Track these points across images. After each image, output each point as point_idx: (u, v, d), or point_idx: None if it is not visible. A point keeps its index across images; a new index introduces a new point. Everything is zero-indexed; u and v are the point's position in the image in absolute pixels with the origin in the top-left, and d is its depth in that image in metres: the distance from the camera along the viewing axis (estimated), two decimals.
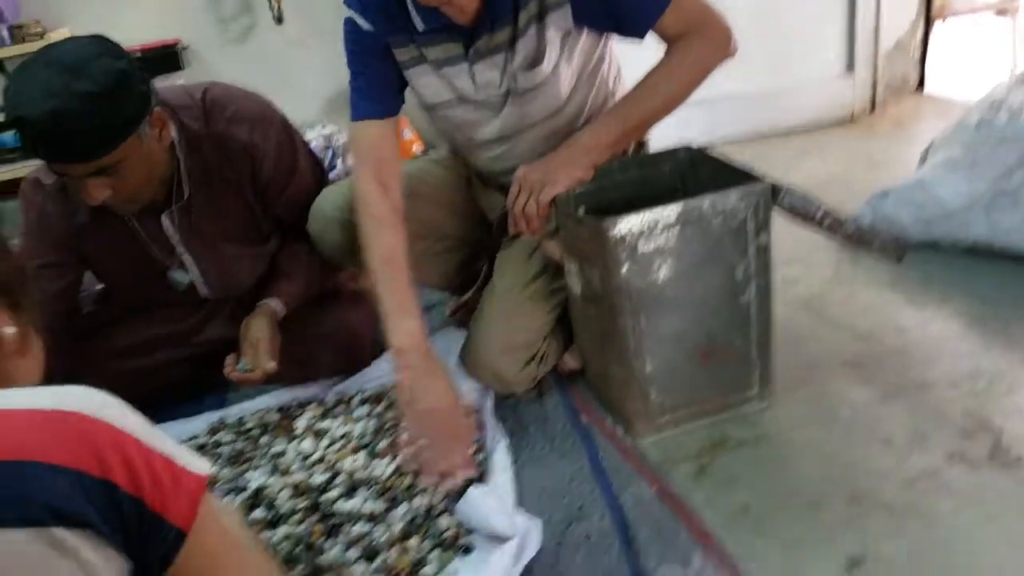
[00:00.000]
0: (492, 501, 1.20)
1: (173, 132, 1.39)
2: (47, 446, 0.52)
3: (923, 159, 2.05)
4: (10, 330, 0.68)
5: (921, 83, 3.05)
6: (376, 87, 1.38)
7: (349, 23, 1.36)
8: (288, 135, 1.54)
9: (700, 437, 1.35)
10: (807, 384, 1.44)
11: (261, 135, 1.47)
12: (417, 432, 1.28)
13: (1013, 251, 1.72)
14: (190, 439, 1.53)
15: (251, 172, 1.49)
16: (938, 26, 3.04)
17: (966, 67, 3.31)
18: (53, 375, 0.73)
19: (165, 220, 1.47)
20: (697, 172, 1.44)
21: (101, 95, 1.20)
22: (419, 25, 1.30)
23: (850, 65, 2.84)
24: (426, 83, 1.39)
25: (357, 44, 1.37)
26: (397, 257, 1.35)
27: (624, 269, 1.22)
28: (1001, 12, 3.77)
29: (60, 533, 0.50)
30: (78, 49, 1.24)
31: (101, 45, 1.26)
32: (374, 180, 1.37)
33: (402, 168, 1.44)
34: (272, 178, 1.51)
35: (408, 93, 1.44)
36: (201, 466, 0.62)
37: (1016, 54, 3.27)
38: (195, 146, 1.43)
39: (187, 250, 1.52)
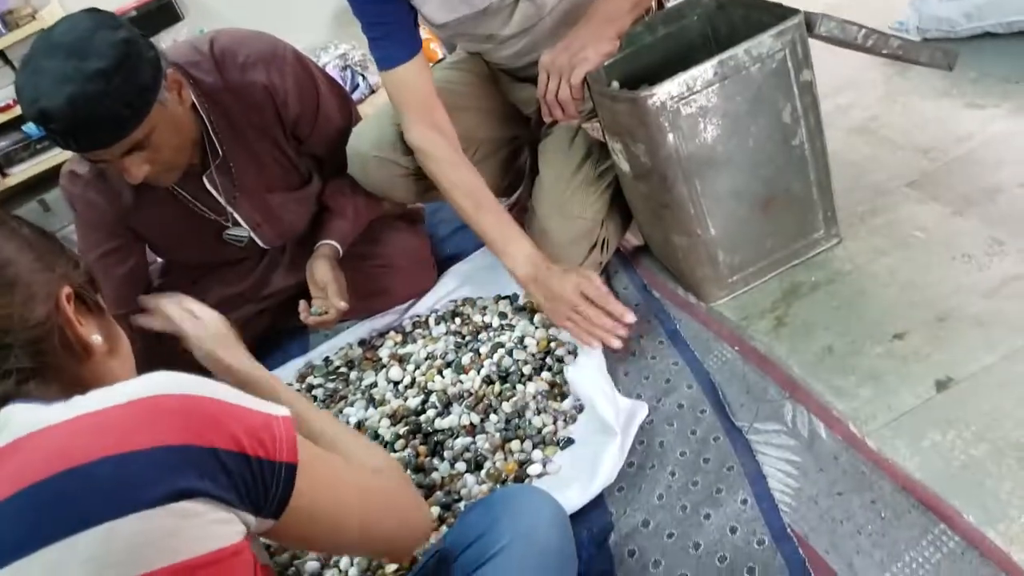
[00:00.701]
0: (600, 379, 1.23)
1: (191, 91, 1.37)
2: (151, 432, 0.57)
3: None
4: (98, 338, 0.71)
5: None
6: (393, 30, 1.34)
7: None
8: (305, 69, 1.51)
9: (773, 289, 1.34)
10: (875, 213, 1.41)
11: (279, 74, 1.44)
12: (570, 319, 1.28)
13: None
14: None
15: (276, 114, 1.47)
16: None
17: None
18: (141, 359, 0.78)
19: (207, 182, 1.48)
20: (727, 16, 1.36)
21: (114, 70, 1.18)
22: None
23: None
24: (437, 5, 1.34)
25: None
26: (482, 193, 1.36)
27: (669, 138, 1.19)
28: None
29: (182, 506, 0.56)
30: (74, 29, 1.21)
31: (95, 19, 1.23)
32: (425, 125, 1.36)
33: None
34: (299, 115, 1.49)
35: None
36: (282, 409, 0.67)
37: None
38: (216, 100, 1.42)
39: (235, 207, 1.54)
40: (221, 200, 1.52)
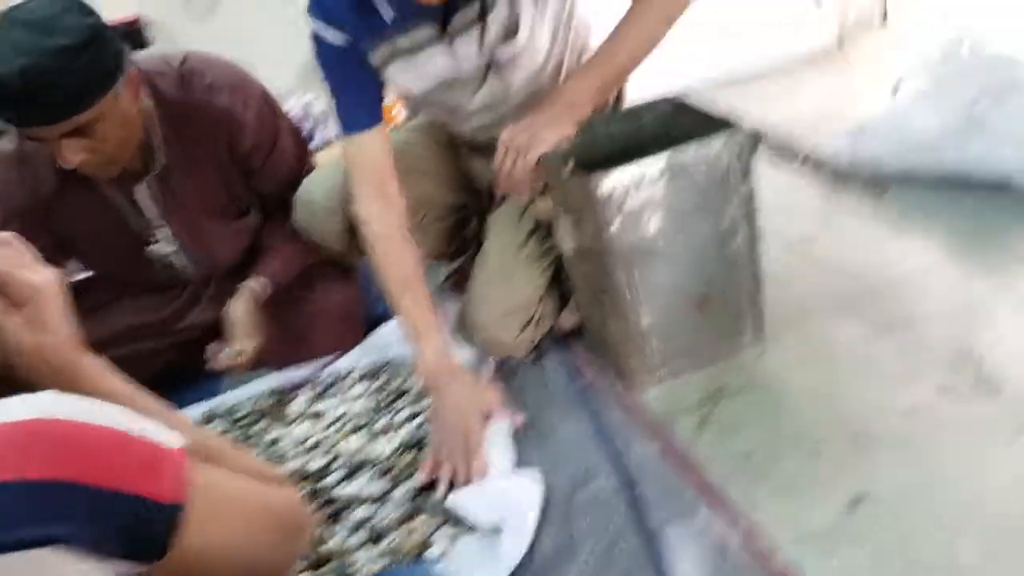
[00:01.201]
0: (508, 462, 1.19)
1: (148, 98, 1.35)
2: (15, 461, 0.50)
3: (894, 91, 2.06)
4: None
5: (886, 16, 3.05)
6: (358, 99, 1.35)
7: (317, 38, 1.32)
8: (269, 105, 1.50)
9: (699, 388, 1.35)
10: (800, 326, 1.45)
11: (242, 103, 1.43)
12: (443, 439, 1.26)
13: (984, 179, 1.73)
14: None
15: (230, 141, 1.45)
16: None
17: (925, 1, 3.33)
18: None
19: (141, 190, 1.43)
20: (679, 122, 1.42)
21: (75, 49, 1.16)
22: (387, 16, 1.26)
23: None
24: (406, 77, 1.36)
25: (329, 59, 1.33)
26: (413, 276, 1.35)
27: (615, 223, 1.21)
28: None
29: (37, 555, 0.48)
30: (43, 8, 1.18)
31: (67, 3, 1.20)
32: (376, 196, 1.36)
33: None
34: (253, 147, 1.47)
35: None
36: (177, 439, 0.60)
37: None
38: (172, 113, 1.39)
39: (165, 223, 1.48)
40: (150, 213, 1.46)
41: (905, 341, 1.35)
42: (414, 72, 1.35)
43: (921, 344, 1.33)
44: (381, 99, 1.40)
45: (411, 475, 1.24)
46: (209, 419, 1.53)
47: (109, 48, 1.23)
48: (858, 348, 1.36)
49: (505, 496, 1.16)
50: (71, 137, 1.23)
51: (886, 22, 3.05)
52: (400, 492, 1.22)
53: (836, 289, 1.53)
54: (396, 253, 1.37)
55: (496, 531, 1.11)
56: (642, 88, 1.50)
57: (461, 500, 1.17)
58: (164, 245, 1.51)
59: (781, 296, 1.52)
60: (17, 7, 1.20)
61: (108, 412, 0.58)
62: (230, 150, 1.46)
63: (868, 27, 3.03)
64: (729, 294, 1.33)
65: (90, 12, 1.22)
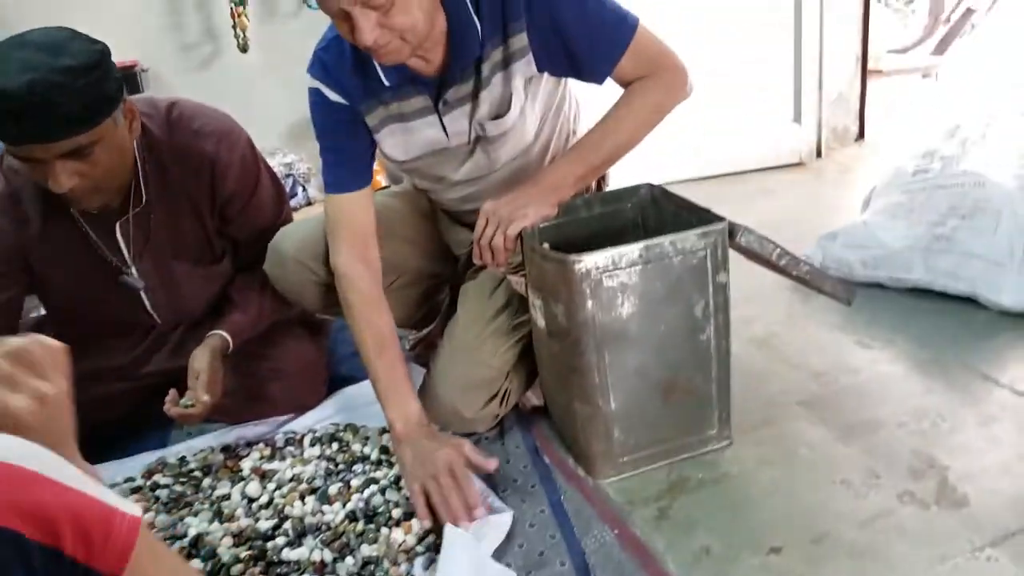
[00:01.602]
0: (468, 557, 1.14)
1: (140, 127, 1.37)
2: None
3: (866, 204, 2.13)
4: None
5: (862, 133, 3.19)
6: (349, 159, 1.38)
7: (316, 94, 1.35)
8: (253, 154, 1.52)
9: (661, 478, 1.33)
10: (765, 424, 1.45)
11: (227, 150, 1.45)
12: (425, 484, 1.23)
13: (950, 293, 1.78)
14: (125, 481, 1.44)
15: (211, 186, 1.46)
16: (873, 83, 3.22)
17: (899, 120, 3.49)
18: None
19: (119, 229, 1.43)
20: (658, 209, 1.45)
21: (82, 69, 1.19)
22: (386, 81, 1.30)
23: (797, 114, 2.96)
24: (397, 142, 1.38)
25: (326, 115, 1.36)
26: (388, 338, 1.36)
27: (588, 304, 1.21)
28: (926, 75, 4.07)
29: None
30: (51, 33, 1.22)
31: (73, 32, 1.25)
32: (355, 257, 1.37)
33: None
34: (233, 194, 1.48)
35: None
36: (133, 508, 0.58)
37: (941, 111, 3.47)
38: (157, 154, 1.41)
39: (137, 264, 1.47)
40: (125, 252, 1.45)
41: (868, 447, 1.35)
42: (405, 138, 1.38)
43: (884, 451, 1.34)
44: (371, 162, 1.42)
45: (360, 545, 1.19)
46: (154, 471, 1.47)
47: (112, 75, 1.26)
48: (822, 451, 1.36)
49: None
50: (66, 159, 1.23)
51: (862, 137, 3.19)
52: (348, 563, 1.16)
53: (803, 390, 1.54)
54: (373, 315, 1.36)
55: None
56: (625, 174, 1.53)
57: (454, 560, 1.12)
58: (134, 282, 1.49)
59: (748, 392, 1.53)
60: (25, 33, 1.23)
61: (59, 465, 0.55)
62: (211, 194, 1.47)
63: (845, 140, 3.17)
64: (697, 385, 1.33)
65: (96, 41, 1.26)
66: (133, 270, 1.48)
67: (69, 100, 1.18)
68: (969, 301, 1.76)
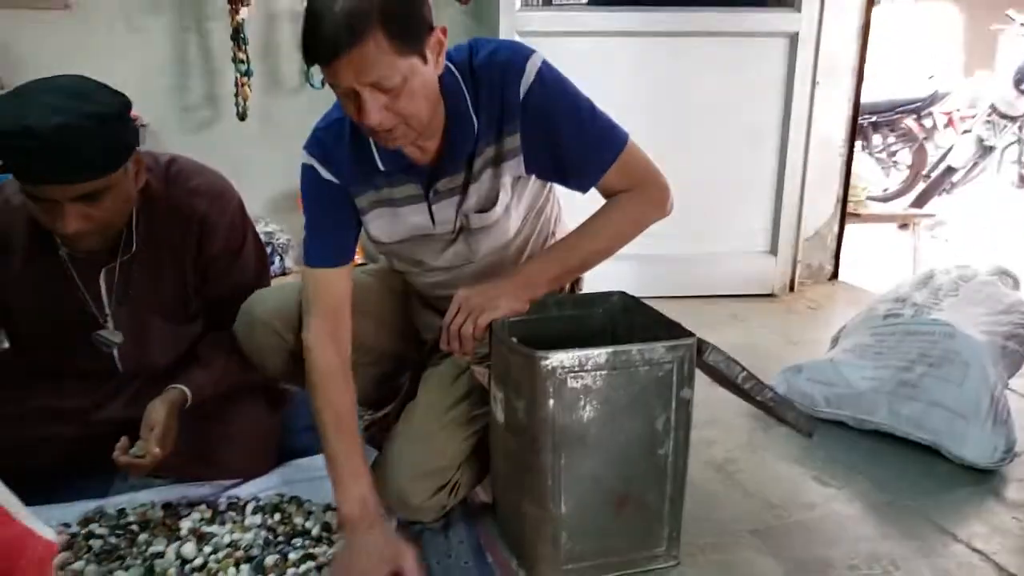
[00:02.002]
0: None
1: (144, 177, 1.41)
2: None
3: (834, 342, 2.17)
4: None
5: (836, 272, 3.28)
6: (333, 235, 1.40)
7: (309, 170, 1.38)
8: (242, 218, 1.55)
9: None
10: (715, 549, 1.43)
11: (218, 210, 1.48)
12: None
13: (911, 439, 1.79)
14: (61, 526, 1.39)
15: (198, 244, 1.48)
16: (851, 226, 3.34)
17: (874, 264, 3.61)
18: None
19: (103, 276, 1.44)
20: (628, 318, 1.47)
21: (109, 117, 1.24)
22: (381, 165, 1.34)
23: (774, 247, 3.04)
24: (383, 224, 1.41)
25: (316, 192, 1.39)
26: (347, 418, 1.35)
27: (550, 403, 1.21)
28: (903, 226, 4.23)
29: None
30: (75, 81, 1.28)
31: (97, 82, 1.30)
32: (325, 333, 1.37)
33: None
34: (217, 255, 1.50)
35: None
36: (50, 532, 0.57)
37: (916, 260, 3.61)
38: (151, 205, 1.44)
39: (113, 313, 1.48)
40: (104, 301, 1.46)
41: None
42: (392, 221, 1.41)
43: None
44: (355, 241, 1.44)
45: None
46: (91, 519, 1.43)
47: (130, 125, 1.33)
48: None
49: None
50: (78, 201, 1.26)
51: (836, 277, 3.28)
52: None
53: (756, 519, 1.53)
54: (336, 393, 1.35)
55: None
56: (599, 281, 1.56)
57: None
58: (110, 337, 1.49)
59: (701, 514, 1.51)
60: (46, 79, 1.28)
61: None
62: (196, 252, 1.49)
63: (819, 277, 3.26)
64: (650, 500, 1.32)
65: (119, 93, 1.31)
66: (109, 318, 1.48)
67: (93, 145, 1.22)
68: (931, 450, 1.77)
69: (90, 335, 1.49)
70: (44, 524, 0.58)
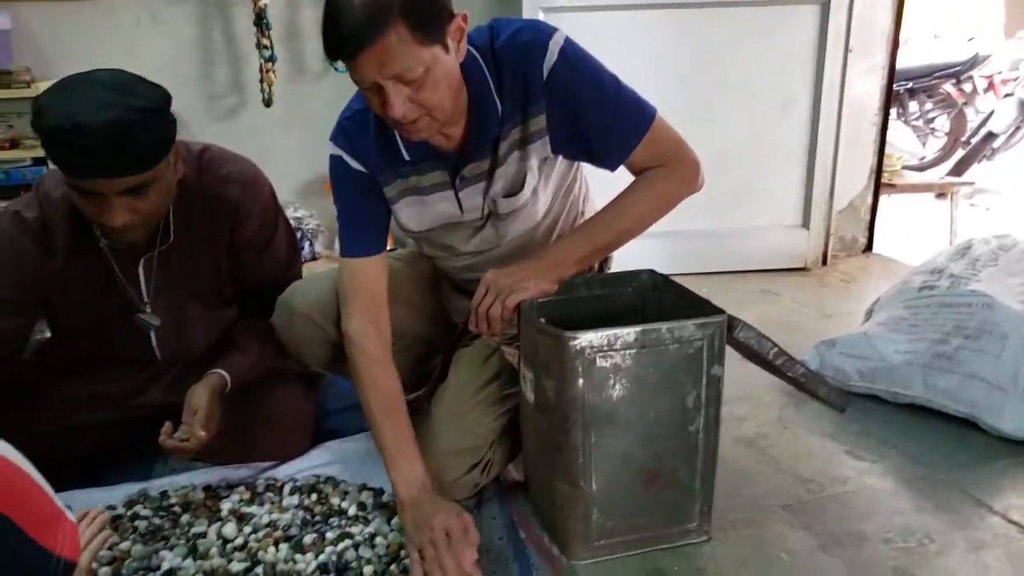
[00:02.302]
0: None
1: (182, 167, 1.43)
2: None
3: (868, 315, 2.14)
4: None
5: (869, 244, 3.23)
6: (365, 225, 1.41)
7: (337, 161, 1.40)
8: (274, 205, 1.57)
9: (635, 565, 1.32)
10: (747, 524, 1.43)
11: (251, 197, 1.51)
12: (423, 548, 1.23)
13: (948, 412, 1.77)
14: (106, 508, 1.43)
15: (231, 231, 1.50)
16: (886, 197, 3.27)
17: (909, 236, 3.54)
18: None
19: (142, 266, 1.47)
20: (658, 296, 1.47)
21: (154, 111, 1.27)
22: (406, 155, 1.34)
23: (806, 220, 3.00)
24: (413, 213, 1.42)
25: (345, 182, 1.41)
26: (396, 403, 1.37)
27: (580, 383, 1.22)
28: (940, 195, 4.12)
29: None
30: (116, 75, 1.30)
31: (131, 74, 1.32)
32: (366, 320, 1.39)
33: None
34: (250, 241, 1.52)
35: None
36: (71, 515, 0.65)
37: (954, 230, 3.53)
38: (186, 195, 1.46)
39: (152, 302, 1.51)
40: (143, 289, 1.50)
41: (850, 559, 1.33)
42: (420, 210, 1.42)
43: (866, 565, 1.32)
44: (387, 229, 1.45)
45: None
46: (135, 501, 1.48)
47: (171, 117, 1.34)
48: (802, 558, 1.34)
49: None
50: (124, 195, 1.28)
51: (870, 249, 3.23)
52: None
53: (788, 494, 1.53)
54: (381, 378, 1.38)
55: None
56: (628, 259, 1.55)
57: None
58: (150, 320, 1.53)
59: (732, 490, 1.52)
60: (86, 73, 1.30)
61: (29, 465, 0.60)
62: (229, 239, 1.51)
63: (852, 250, 3.20)
64: (681, 476, 1.33)
65: (158, 86, 1.33)
66: (148, 307, 1.52)
67: (140, 139, 1.24)
68: (967, 423, 1.75)
69: (130, 323, 1.52)
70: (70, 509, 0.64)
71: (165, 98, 1.32)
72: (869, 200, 3.17)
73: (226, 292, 1.58)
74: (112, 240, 1.43)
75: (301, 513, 1.41)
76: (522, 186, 1.37)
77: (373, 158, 1.37)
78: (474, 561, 1.21)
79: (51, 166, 1.74)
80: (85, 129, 1.20)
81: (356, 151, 1.37)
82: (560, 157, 1.40)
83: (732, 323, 1.28)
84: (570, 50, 1.29)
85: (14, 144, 2.48)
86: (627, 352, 1.23)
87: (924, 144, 5.85)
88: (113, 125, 1.21)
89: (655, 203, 1.36)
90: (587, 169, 1.51)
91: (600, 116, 1.31)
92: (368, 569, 1.26)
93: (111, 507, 1.45)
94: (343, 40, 1.12)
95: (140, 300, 1.51)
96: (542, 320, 1.30)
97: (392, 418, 1.35)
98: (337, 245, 1.46)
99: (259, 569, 1.25)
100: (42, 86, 2.45)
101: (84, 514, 1.21)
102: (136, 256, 1.47)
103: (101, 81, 1.27)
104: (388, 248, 1.50)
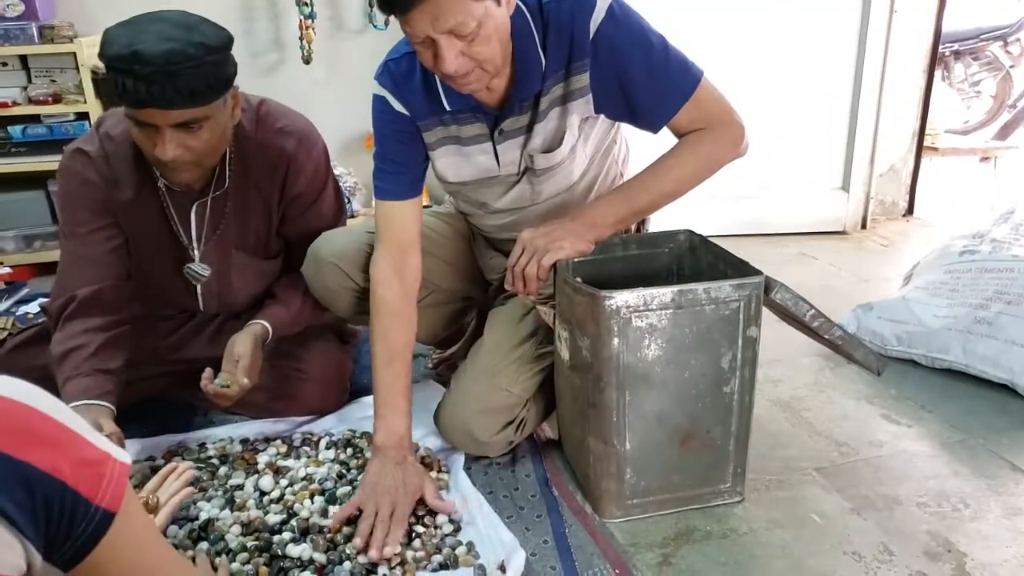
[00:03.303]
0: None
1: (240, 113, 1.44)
2: None
3: (907, 279, 2.10)
4: None
5: (910, 208, 3.16)
6: (403, 168, 1.41)
7: (380, 101, 1.39)
8: (326, 162, 1.58)
9: (668, 526, 1.33)
10: (780, 486, 1.43)
11: (304, 152, 1.52)
12: (365, 505, 1.26)
13: (987, 378, 1.75)
14: (146, 459, 1.47)
15: (283, 183, 1.52)
16: (928, 161, 3.18)
17: (951, 200, 3.46)
18: None
19: (194, 210, 1.49)
20: (695, 257, 1.45)
21: (213, 48, 1.28)
22: (447, 105, 1.33)
23: (846, 183, 2.95)
24: (450, 163, 1.42)
25: (387, 124, 1.40)
26: (400, 356, 1.38)
27: (615, 341, 1.22)
28: (984, 160, 4.01)
29: None
30: (185, 15, 1.32)
31: (198, 16, 1.34)
32: (391, 266, 1.40)
33: None
34: (300, 194, 1.54)
35: None
36: (124, 454, 0.62)
37: (997, 194, 3.44)
38: (242, 144, 1.48)
39: (201, 248, 1.53)
40: (194, 235, 1.52)
41: (884, 522, 1.33)
42: (458, 160, 1.41)
43: (900, 529, 1.31)
44: (423, 175, 1.44)
45: (356, 556, 1.20)
46: (174, 452, 1.51)
47: (231, 59, 1.36)
48: (835, 520, 1.34)
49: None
50: (177, 129, 1.30)
51: (911, 213, 3.16)
52: (345, 568, 1.18)
53: (822, 457, 1.52)
54: (394, 330, 1.38)
55: None
56: (665, 220, 1.53)
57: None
58: (199, 271, 1.55)
59: (766, 452, 1.51)
60: (160, 11, 1.32)
61: (62, 410, 0.59)
62: (281, 190, 1.53)
63: (893, 214, 3.14)
64: (715, 437, 1.32)
65: (223, 28, 1.34)
66: (196, 253, 1.54)
67: (197, 73, 1.26)
68: (1005, 389, 1.72)
69: (180, 270, 1.55)
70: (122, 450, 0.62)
71: (227, 39, 1.33)
72: (911, 164, 3.10)
73: (273, 245, 1.59)
74: (168, 179, 1.44)
75: (336, 467, 1.43)
76: (560, 143, 1.35)
77: (416, 102, 1.36)
78: (396, 543, 1.21)
79: (103, 112, 1.77)
80: (143, 57, 1.21)
81: (400, 93, 1.36)
82: (601, 117, 1.37)
83: (769, 285, 1.26)
84: (618, 8, 1.27)
85: (57, 99, 2.50)
86: (663, 312, 1.22)
87: (968, 108, 5.68)
88: (169, 55, 1.22)
89: (697, 166, 1.34)
90: (628, 132, 1.49)
91: (646, 76, 1.28)
92: None
93: (150, 458, 1.49)
94: None
95: (190, 245, 1.53)
96: (578, 279, 1.29)
97: (391, 368, 1.36)
98: (375, 202, 1.46)
99: (294, 522, 1.27)
100: (84, 42, 2.47)
101: (172, 468, 1.25)
102: (191, 200, 1.49)
103: (169, 18, 1.29)
104: (424, 204, 1.50)
